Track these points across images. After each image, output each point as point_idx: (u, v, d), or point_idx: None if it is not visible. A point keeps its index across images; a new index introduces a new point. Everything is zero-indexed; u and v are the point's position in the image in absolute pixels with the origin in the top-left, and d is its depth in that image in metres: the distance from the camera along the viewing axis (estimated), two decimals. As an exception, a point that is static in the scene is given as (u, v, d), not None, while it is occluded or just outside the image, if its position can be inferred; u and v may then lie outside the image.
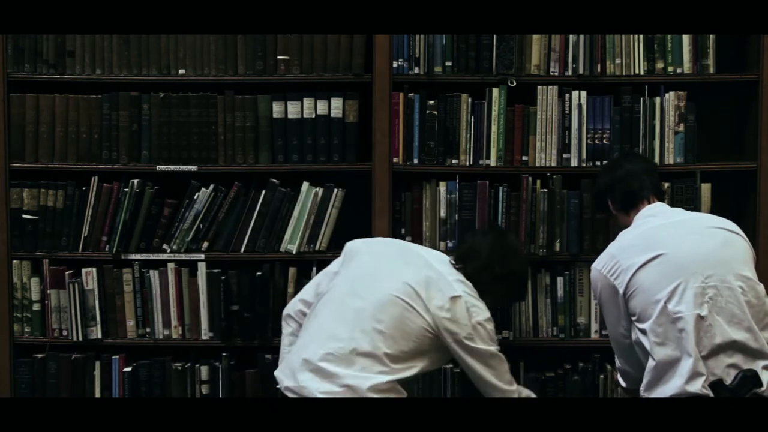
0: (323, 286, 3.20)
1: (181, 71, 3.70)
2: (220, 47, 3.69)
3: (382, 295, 3.01)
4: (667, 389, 2.90)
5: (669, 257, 2.94)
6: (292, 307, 3.27)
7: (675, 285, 2.91)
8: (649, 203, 3.19)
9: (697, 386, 2.86)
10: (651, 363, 2.94)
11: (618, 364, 3.21)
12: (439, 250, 3.65)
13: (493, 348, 3.07)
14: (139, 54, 3.70)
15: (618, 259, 3.02)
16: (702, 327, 2.88)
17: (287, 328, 3.27)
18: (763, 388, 2.89)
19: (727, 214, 3.21)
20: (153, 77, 3.70)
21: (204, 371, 3.74)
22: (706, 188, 3.70)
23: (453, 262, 3.18)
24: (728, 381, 2.88)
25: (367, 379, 2.92)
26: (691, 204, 3.65)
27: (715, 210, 3.63)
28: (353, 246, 3.24)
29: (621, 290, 2.99)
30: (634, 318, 2.99)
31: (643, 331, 2.95)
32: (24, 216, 3.71)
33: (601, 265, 3.08)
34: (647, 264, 2.96)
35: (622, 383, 3.24)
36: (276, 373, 3.13)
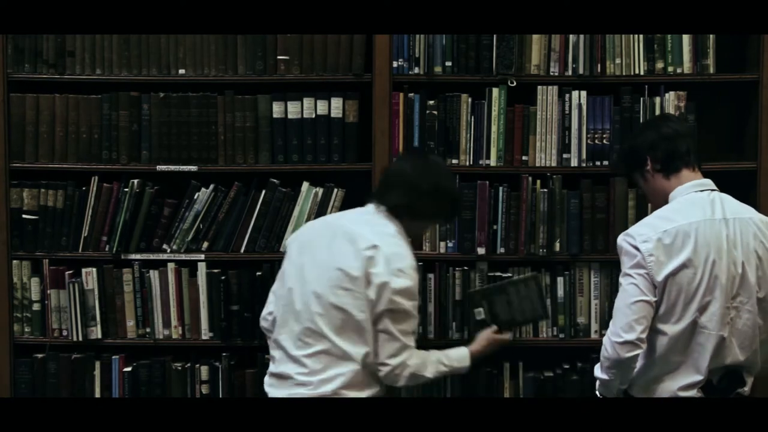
0: (276, 287, 3.23)
1: (181, 71, 3.70)
2: (220, 47, 3.69)
3: (312, 292, 3.03)
4: (662, 389, 2.91)
5: (709, 268, 2.83)
6: (264, 319, 3.26)
7: (708, 300, 2.84)
8: (693, 172, 3.01)
9: (692, 392, 2.88)
10: (653, 358, 2.91)
11: (613, 340, 2.89)
12: (438, 251, 3.66)
13: (409, 305, 3.03)
14: (139, 54, 3.70)
15: (665, 248, 2.83)
16: (722, 347, 2.86)
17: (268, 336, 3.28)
18: (745, 388, 2.92)
19: (727, 214, 3.19)
20: (153, 77, 3.70)
21: (204, 371, 3.74)
22: (706, 188, 3.69)
23: (375, 205, 3.14)
24: (714, 380, 2.89)
25: (335, 379, 2.98)
26: (691, 204, 3.64)
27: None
28: (286, 242, 3.30)
29: (654, 276, 2.83)
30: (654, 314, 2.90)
31: (662, 332, 2.88)
32: (24, 216, 3.71)
33: (644, 242, 2.85)
34: (688, 267, 2.83)
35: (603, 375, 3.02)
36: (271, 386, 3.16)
